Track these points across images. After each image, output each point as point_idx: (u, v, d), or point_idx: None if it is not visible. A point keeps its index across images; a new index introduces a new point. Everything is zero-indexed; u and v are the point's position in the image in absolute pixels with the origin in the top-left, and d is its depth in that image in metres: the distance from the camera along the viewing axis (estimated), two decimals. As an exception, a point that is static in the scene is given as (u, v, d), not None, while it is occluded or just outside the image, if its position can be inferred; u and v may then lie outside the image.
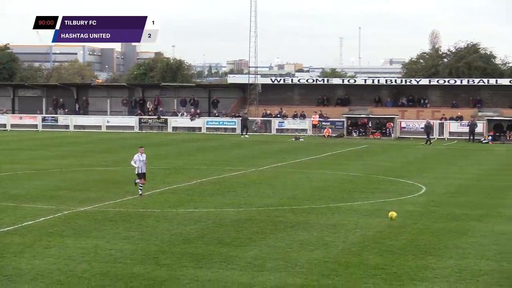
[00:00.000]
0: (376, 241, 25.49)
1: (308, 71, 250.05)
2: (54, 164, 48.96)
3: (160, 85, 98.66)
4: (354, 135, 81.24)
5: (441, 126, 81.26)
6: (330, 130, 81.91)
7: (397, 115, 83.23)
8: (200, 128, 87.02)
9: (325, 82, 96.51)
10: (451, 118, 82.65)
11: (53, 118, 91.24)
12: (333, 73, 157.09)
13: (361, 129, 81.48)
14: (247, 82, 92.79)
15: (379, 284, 20.22)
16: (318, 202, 33.88)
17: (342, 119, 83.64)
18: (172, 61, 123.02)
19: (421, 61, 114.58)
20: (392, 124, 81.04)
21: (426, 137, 73.66)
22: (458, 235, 26.75)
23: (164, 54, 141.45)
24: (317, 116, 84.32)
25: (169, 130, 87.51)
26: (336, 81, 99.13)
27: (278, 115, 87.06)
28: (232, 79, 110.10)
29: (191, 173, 44.20)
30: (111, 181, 40.85)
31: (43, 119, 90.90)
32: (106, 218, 29.35)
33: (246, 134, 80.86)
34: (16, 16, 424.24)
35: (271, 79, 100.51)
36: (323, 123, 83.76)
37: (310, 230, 27.31)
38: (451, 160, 56.08)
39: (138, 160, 34.64)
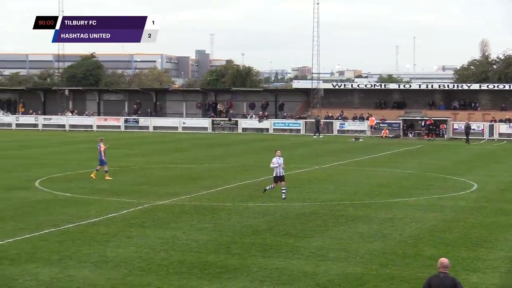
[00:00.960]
0: (431, 234, 25.23)
1: (366, 77, 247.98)
2: (136, 161, 49.40)
3: (231, 89, 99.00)
4: (410, 136, 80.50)
5: (491, 127, 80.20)
6: (387, 131, 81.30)
7: (449, 118, 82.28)
8: (267, 129, 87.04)
9: (382, 87, 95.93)
10: (500, 120, 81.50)
11: (134, 120, 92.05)
12: (390, 78, 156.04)
13: (425, 129, 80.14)
14: (310, 87, 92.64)
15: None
16: (376, 198, 33.65)
17: (398, 121, 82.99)
18: (241, 68, 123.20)
19: (472, 67, 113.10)
20: (445, 125, 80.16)
21: (466, 137, 73.28)
22: (507, 228, 26.35)
23: (234, 62, 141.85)
24: (374, 118, 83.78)
25: (239, 130, 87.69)
26: (393, 86, 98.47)
27: (339, 117, 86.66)
28: (296, 84, 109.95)
29: (260, 171, 44.19)
30: (187, 177, 41.08)
31: (126, 121, 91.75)
32: (182, 211, 29.52)
33: (318, 135, 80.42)
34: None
35: (333, 84, 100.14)
36: (380, 124, 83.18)
37: (369, 223, 27.14)
38: (501, 159, 55.21)
39: (276, 163, 32.88)
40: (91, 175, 39.50)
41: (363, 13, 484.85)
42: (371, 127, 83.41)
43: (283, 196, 32.40)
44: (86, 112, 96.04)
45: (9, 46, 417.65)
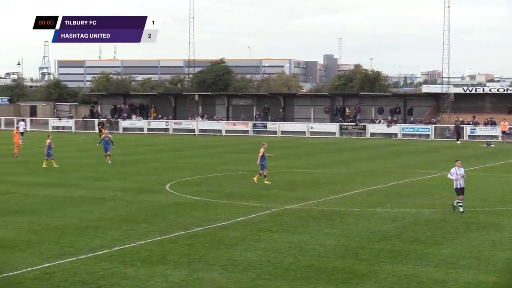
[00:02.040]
0: None
1: (499, 81, 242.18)
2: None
3: (359, 94, 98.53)
4: (545, 141, 78.11)
5: None
6: (520, 136, 79.05)
7: None
8: (396, 134, 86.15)
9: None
10: None
11: (262, 124, 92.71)
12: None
13: None
14: (440, 91, 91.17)
15: None
16: (509, 205, 32.77)
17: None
18: (370, 72, 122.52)
19: None
20: None
21: None
22: None
23: (363, 66, 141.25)
24: (507, 123, 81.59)
25: (367, 136, 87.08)
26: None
27: (470, 122, 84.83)
28: (426, 88, 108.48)
29: (388, 176, 43.80)
30: (314, 181, 41.08)
31: (254, 125, 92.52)
32: (310, 216, 29.53)
33: (457, 141, 78.70)
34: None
35: (463, 89, 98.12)
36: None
37: (501, 230, 26.47)
38: None
39: (455, 174, 30.82)
40: (266, 182, 39.74)
41: (495, 15, 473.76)
42: (503, 132, 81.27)
43: (461, 210, 30.25)
44: (215, 117, 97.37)
45: (141, 52, 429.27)
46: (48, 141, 49.28)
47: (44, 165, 48.34)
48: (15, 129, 63.79)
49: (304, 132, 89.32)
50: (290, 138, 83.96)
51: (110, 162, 50.52)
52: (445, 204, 32.62)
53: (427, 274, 20.25)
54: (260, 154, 40.48)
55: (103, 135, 53.57)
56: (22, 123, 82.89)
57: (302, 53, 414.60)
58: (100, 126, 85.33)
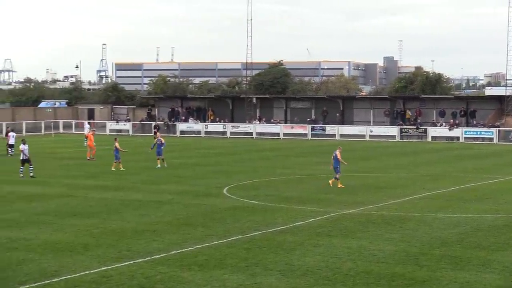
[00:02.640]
0: None
1: None
2: (322, 169, 49.49)
3: (420, 97, 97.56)
4: None
5: None
6: None
7: None
8: (458, 138, 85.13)
9: None
10: None
11: (321, 128, 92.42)
12: None
13: None
14: (504, 94, 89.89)
15: None
16: None
17: None
18: (431, 74, 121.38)
19: None
20: None
21: None
22: None
23: (424, 68, 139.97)
24: None
25: (428, 139, 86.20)
26: None
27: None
28: (489, 91, 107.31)
29: (449, 180, 43.37)
30: (374, 186, 40.86)
31: (312, 128, 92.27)
32: (369, 220, 29.40)
33: None
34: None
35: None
36: None
37: None
38: None
39: None
40: (339, 185, 39.82)
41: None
42: None
43: None
44: (273, 120, 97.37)
45: (199, 54, 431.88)
46: (116, 144, 50.25)
47: (112, 168, 49.00)
48: (90, 132, 63.61)
49: (363, 136, 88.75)
50: (349, 142, 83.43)
51: (166, 165, 50.82)
52: (509, 209, 32.21)
53: (490, 281, 20.02)
54: (339, 157, 40.48)
55: (156, 139, 54.00)
56: (87, 125, 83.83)
57: (361, 55, 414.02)
58: (155, 130, 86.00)
